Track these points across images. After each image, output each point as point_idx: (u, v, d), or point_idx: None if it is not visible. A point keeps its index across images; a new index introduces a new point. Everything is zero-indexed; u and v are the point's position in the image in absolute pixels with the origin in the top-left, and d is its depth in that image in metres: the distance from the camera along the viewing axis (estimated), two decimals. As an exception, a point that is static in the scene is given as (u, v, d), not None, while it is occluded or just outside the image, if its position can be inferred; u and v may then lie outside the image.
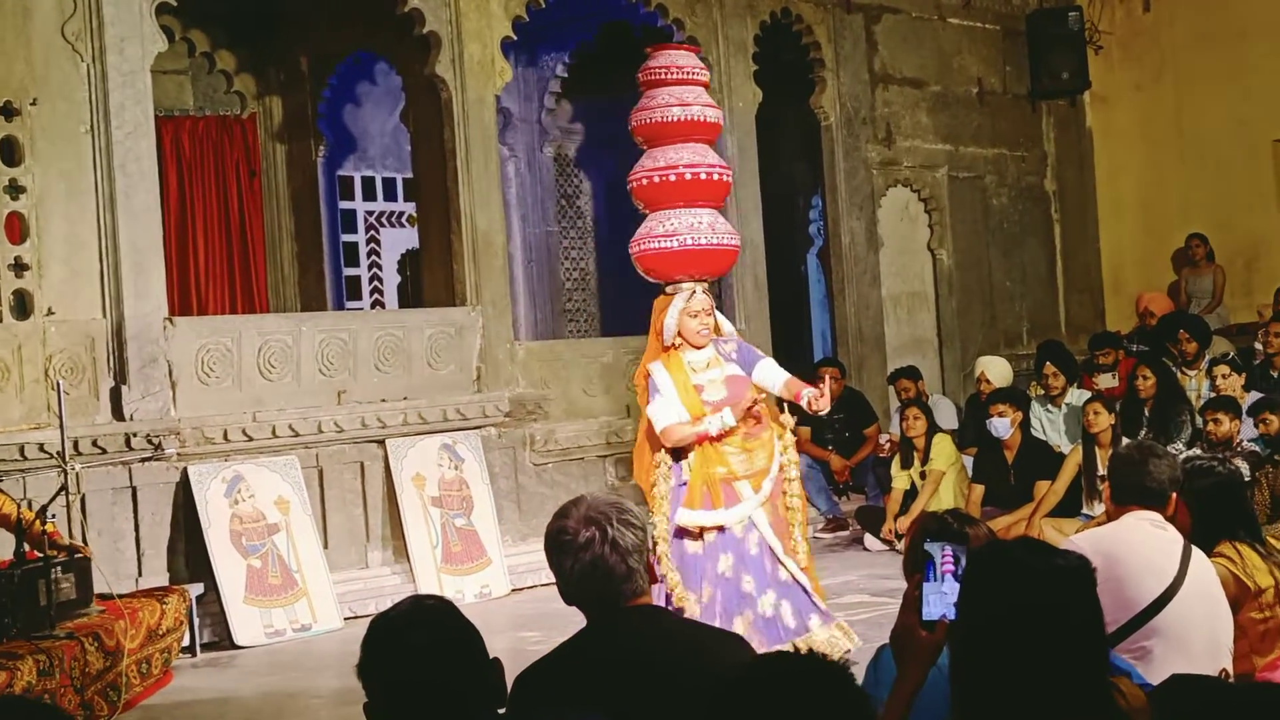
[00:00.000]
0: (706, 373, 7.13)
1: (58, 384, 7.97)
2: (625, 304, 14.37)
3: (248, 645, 8.71)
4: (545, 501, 10.54)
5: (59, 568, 6.98)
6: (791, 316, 14.82)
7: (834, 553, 11.05)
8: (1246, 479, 9.38)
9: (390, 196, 13.56)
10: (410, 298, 13.21)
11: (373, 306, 13.26)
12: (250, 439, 9.30)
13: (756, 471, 7.11)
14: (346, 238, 13.22)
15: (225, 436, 9.20)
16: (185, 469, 8.98)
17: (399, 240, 13.54)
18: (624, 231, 14.56)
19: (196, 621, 8.53)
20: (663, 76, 7.38)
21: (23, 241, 8.73)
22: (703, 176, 7.31)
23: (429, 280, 11.08)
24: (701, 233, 7.25)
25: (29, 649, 6.46)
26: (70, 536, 7.51)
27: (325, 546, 9.50)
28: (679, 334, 7.18)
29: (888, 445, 11.34)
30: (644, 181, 7.34)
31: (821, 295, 14.98)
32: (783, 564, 6.98)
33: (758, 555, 6.97)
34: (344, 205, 13.20)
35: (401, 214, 13.54)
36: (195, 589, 8.60)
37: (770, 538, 7.01)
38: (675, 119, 7.29)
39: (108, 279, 8.88)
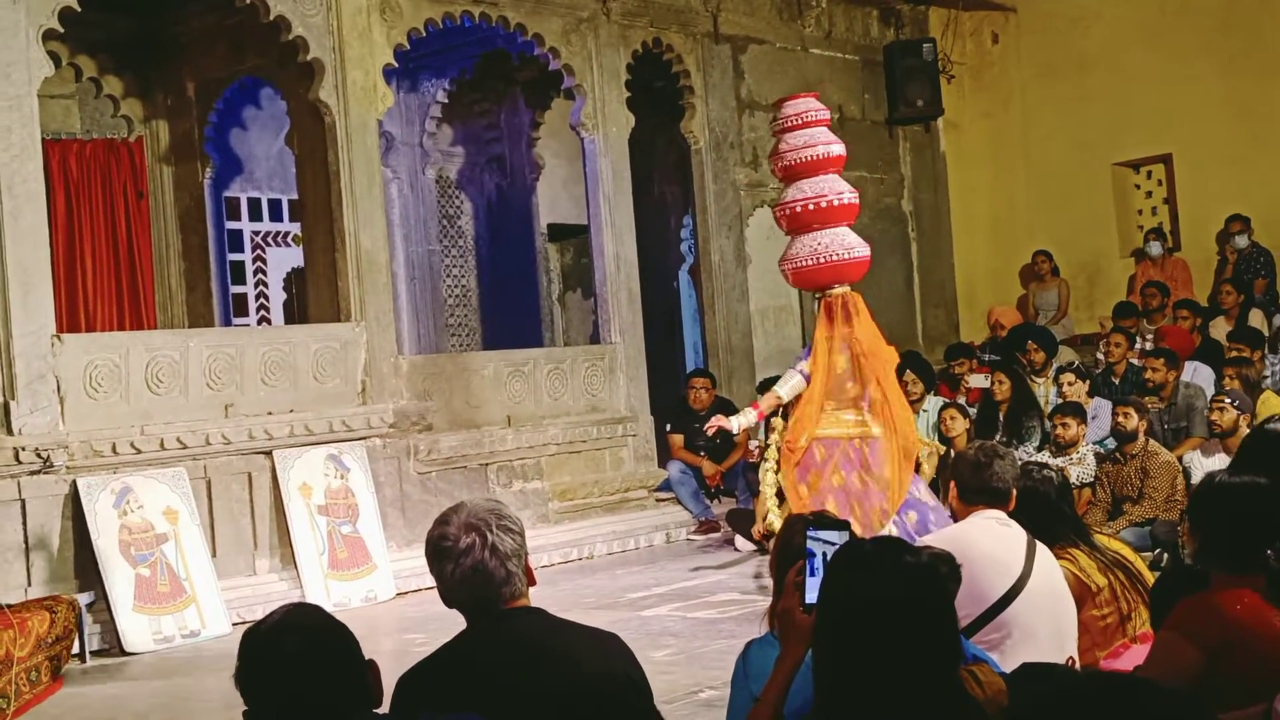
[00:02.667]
0: None
1: (-54, 400, 7.78)
2: (505, 320, 14.36)
3: (137, 652, 8.54)
4: (429, 509, 10.44)
5: (-53, 580, 6.81)
6: (665, 330, 14.88)
7: (706, 553, 11.10)
8: (1091, 479, 9.58)
9: (276, 217, 13.40)
10: (296, 314, 13.06)
11: (259, 323, 13.08)
12: (139, 452, 9.13)
13: None
14: (233, 257, 13.03)
15: (114, 450, 9.01)
16: (74, 481, 8.79)
17: (285, 259, 13.39)
18: (503, 250, 14.60)
19: (86, 629, 8.35)
20: (791, 123, 8.55)
21: (-90, 260, 8.50)
22: (846, 200, 8.54)
23: (314, 297, 10.96)
24: (854, 246, 8.51)
25: (-83, 660, 6.28)
26: (-41, 549, 7.32)
27: (214, 555, 9.34)
28: None
29: (756, 451, 11.40)
30: (796, 209, 8.43)
31: (693, 309, 15.05)
32: None
33: None
34: (231, 225, 13.02)
35: (287, 234, 13.39)
36: (85, 598, 8.42)
37: None
38: (808, 159, 8.47)
39: (-5, 297, 8.66)
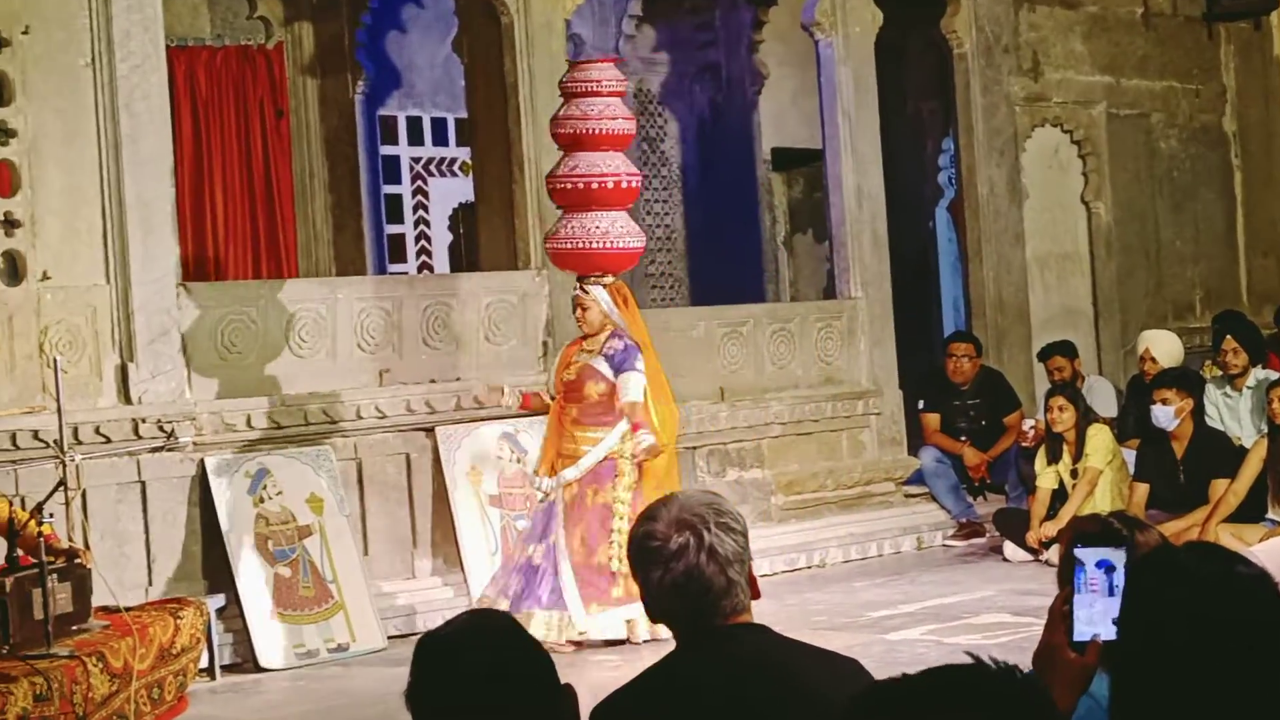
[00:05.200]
0: (582, 356, 9.10)
1: (54, 361, 8.03)
2: (719, 267, 14.38)
3: (275, 668, 8.80)
4: (624, 501, 10.56)
5: (55, 575, 7.06)
6: (918, 282, 14.76)
7: (967, 564, 11.03)
8: None
9: (440, 140, 13.62)
10: (464, 260, 13.26)
11: (420, 270, 13.32)
12: (278, 426, 9.39)
13: (567, 454, 8.98)
14: (389, 189, 13.28)
15: (249, 423, 9.29)
16: (202, 461, 9.08)
17: (450, 192, 13.61)
18: (717, 181, 14.64)
19: (216, 639, 8.61)
20: (581, 89, 9.18)
21: (13, 194, 8.83)
22: (627, 184, 9.27)
23: (486, 239, 11.12)
24: (630, 235, 9.23)
25: (24, 670, 6.54)
26: (69, 539, 7.60)
27: (365, 553, 9.57)
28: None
29: (1032, 434, 11.27)
30: (573, 185, 9.17)
31: (954, 257, 14.90)
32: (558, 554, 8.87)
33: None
34: (386, 151, 13.27)
35: (454, 161, 13.60)
36: (214, 601, 8.68)
37: (558, 523, 8.93)
38: (595, 132, 9.15)
39: (112, 238, 8.97)
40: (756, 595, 3.32)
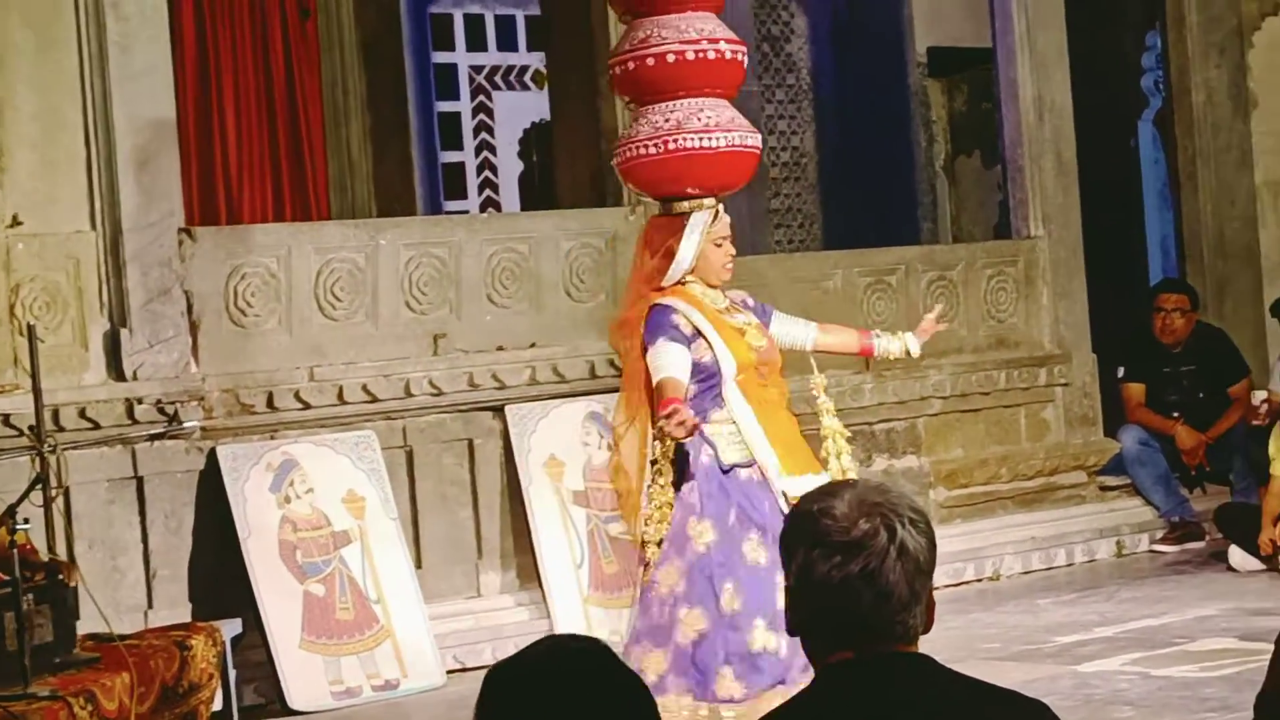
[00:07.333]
0: (737, 316, 7.69)
1: (28, 327, 8.06)
2: (860, 199, 14.34)
3: (307, 710, 8.87)
4: (743, 498, 10.55)
5: (32, 596, 7.11)
6: (1116, 215, 14.66)
7: (1182, 575, 11.00)
8: None
9: (508, 44, 13.64)
10: (538, 195, 13.27)
11: (483, 209, 13.35)
12: (307, 406, 9.44)
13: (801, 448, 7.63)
14: (444, 107, 13.31)
15: (270, 403, 9.33)
16: (213, 450, 9.14)
17: (521, 110, 13.62)
18: (857, 91, 14.56)
19: (233, 675, 8.64)
20: None
21: (-26, 120, 8.93)
22: (730, 55, 7.77)
23: (566, 169, 11.11)
24: (718, 132, 7.65)
25: (-6, 714, 6.62)
26: (49, 550, 7.66)
27: (418, 566, 9.62)
28: (693, 269, 7.59)
29: (1264, 410, 11.17)
30: (630, 66, 7.71)
31: (1161, 183, 14.80)
32: None
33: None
34: (439, 58, 13.29)
35: (524, 70, 13.60)
36: (230, 628, 8.71)
37: None
38: None
39: (98, 173, 9.01)
40: (930, 625, 3.25)
